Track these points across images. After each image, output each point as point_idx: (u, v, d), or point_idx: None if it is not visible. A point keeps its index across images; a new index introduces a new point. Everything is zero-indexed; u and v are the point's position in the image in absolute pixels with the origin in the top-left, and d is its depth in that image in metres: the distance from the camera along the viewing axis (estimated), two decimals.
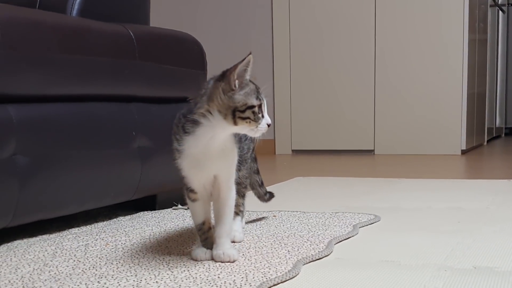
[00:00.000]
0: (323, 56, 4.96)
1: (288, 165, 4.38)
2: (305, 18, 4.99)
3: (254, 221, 2.02)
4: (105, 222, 2.06)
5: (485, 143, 5.75)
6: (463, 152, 4.70)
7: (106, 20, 2.09)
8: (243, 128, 1.39)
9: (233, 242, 1.64)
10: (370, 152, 4.91)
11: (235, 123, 1.37)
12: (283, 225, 1.93)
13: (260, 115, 1.39)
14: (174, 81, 2.29)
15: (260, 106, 1.39)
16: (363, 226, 1.93)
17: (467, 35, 4.64)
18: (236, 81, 1.37)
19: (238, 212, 1.73)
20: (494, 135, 6.34)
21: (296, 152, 5.10)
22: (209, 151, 1.42)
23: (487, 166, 4.15)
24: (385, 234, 1.84)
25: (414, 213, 2.18)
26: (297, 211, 2.17)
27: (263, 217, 2.07)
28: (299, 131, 5.07)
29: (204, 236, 1.52)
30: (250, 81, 1.40)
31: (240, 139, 1.62)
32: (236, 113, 1.37)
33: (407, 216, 2.12)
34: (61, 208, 1.89)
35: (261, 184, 1.95)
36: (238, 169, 1.63)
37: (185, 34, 2.42)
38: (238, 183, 1.67)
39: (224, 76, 1.38)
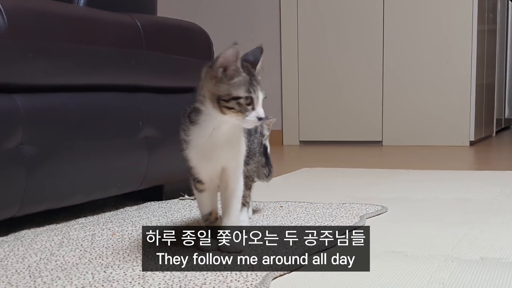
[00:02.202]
0: (331, 46, 4.94)
1: (296, 156, 4.37)
2: (313, 8, 4.96)
3: (260, 211, 2.02)
4: (111, 212, 2.06)
5: (494, 134, 5.72)
6: (472, 143, 4.68)
7: (113, 10, 2.09)
8: (231, 118, 1.36)
9: None
10: (378, 143, 4.89)
11: (222, 112, 1.35)
12: (290, 216, 1.93)
13: (249, 107, 1.35)
14: (181, 71, 2.28)
15: (249, 98, 1.35)
16: (370, 217, 1.92)
17: (476, 26, 4.61)
18: (220, 70, 1.35)
19: (244, 203, 1.73)
20: (503, 126, 6.30)
21: (303, 143, 5.09)
22: (215, 141, 1.42)
23: (496, 157, 4.13)
24: (392, 225, 1.83)
25: (422, 204, 2.18)
26: (304, 202, 2.16)
27: (269, 208, 2.07)
28: (307, 122, 5.06)
29: (210, 226, 1.52)
30: (248, 71, 1.37)
31: (250, 132, 1.61)
32: (221, 102, 1.35)
33: (414, 207, 2.12)
34: (68, 198, 1.89)
35: (268, 175, 1.95)
36: (247, 163, 1.62)
37: (192, 24, 2.42)
38: (246, 177, 1.66)
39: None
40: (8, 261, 1.45)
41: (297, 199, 2.23)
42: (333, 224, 1.78)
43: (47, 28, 1.76)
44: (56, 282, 1.28)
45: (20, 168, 1.67)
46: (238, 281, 1.25)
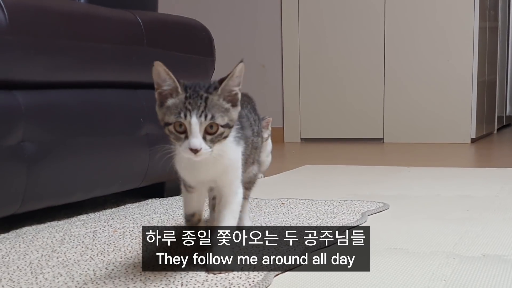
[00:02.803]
0: (332, 43, 4.93)
1: (297, 153, 4.37)
2: (314, 5, 4.96)
3: (262, 208, 2.02)
4: (113, 209, 2.06)
5: (495, 131, 5.71)
6: (473, 140, 4.68)
7: (114, 6, 2.08)
8: (176, 145, 1.23)
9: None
10: (379, 140, 4.89)
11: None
12: (291, 213, 1.93)
13: (181, 136, 1.20)
14: (182, 68, 2.28)
15: (179, 124, 1.19)
16: (371, 214, 1.92)
17: (478, 23, 4.60)
18: (156, 94, 1.25)
19: (245, 196, 1.70)
20: (504, 124, 6.30)
21: (305, 140, 5.08)
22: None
23: (497, 155, 4.13)
24: (394, 222, 1.83)
25: (423, 201, 2.17)
26: (305, 199, 2.16)
27: (271, 205, 2.07)
28: (308, 119, 5.05)
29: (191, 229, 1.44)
30: (193, 91, 1.21)
31: (252, 129, 1.57)
32: (162, 128, 1.24)
33: (415, 204, 2.11)
34: (69, 195, 1.89)
35: None
36: (252, 162, 1.58)
37: (193, 20, 2.41)
38: (248, 182, 1.62)
39: None
40: (9, 257, 1.45)
41: (298, 196, 2.23)
42: (334, 221, 1.77)
43: (48, 24, 1.76)
44: (57, 278, 1.28)
45: (21, 165, 1.67)
46: (240, 278, 1.25)
